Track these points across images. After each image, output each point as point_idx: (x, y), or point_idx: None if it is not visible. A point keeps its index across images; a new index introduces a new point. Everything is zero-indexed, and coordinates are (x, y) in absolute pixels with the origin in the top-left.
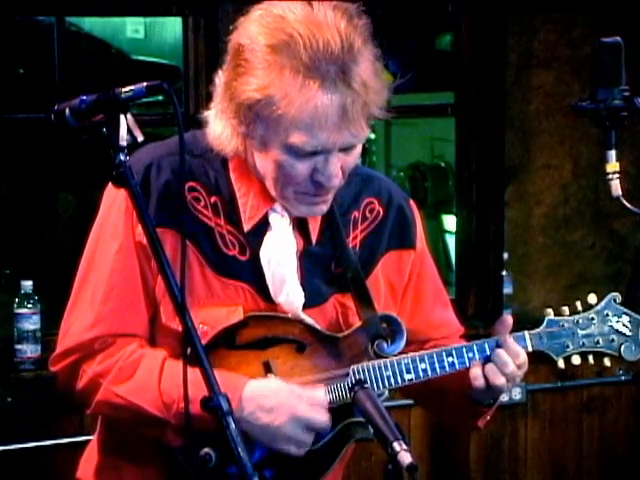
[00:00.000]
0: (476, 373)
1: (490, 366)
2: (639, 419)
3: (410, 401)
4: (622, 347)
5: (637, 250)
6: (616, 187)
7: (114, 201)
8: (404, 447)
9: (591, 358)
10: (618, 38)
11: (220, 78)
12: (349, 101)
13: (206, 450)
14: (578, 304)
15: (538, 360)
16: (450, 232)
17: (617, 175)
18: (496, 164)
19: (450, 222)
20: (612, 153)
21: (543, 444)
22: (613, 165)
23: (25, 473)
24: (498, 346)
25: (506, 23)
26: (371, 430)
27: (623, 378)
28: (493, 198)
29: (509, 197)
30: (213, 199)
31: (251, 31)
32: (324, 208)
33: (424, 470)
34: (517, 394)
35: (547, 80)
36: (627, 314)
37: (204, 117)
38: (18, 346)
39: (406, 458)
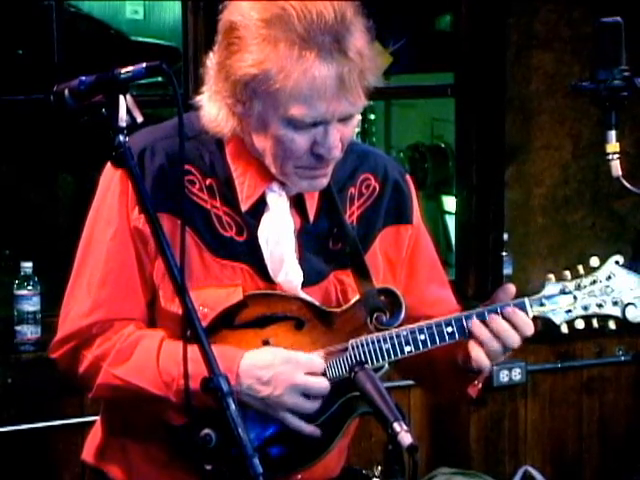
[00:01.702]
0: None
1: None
2: (639, 400)
3: (410, 382)
4: (627, 309)
5: (637, 230)
6: (616, 167)
7: (109, 186)
8: (404, 428)
9: (595, 322)
10: (618, 18)
11: (212, 60)
12: (346, 70)
13: (206, 431)
14: (580, 268)
15: (538, 340)
16: (450, 213)
17: (617, 155)
18: (496, 145)
19: (450, 203)
20: (612, 133)
21: (543, 424)
22: (613, 145)
23: (25, 454)
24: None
25: (506, 3)
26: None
27: (623, 359)
28: (493, 179)
29: (509, 178)
30: (208, 181)
31: (243, 8)
32: (324, 182)
33: (424, 450)
34: (517, 374)
35: (547, 60)
36: (631, 275)
37: (197, 102)
38: (18, 327)
39: (406, 439)
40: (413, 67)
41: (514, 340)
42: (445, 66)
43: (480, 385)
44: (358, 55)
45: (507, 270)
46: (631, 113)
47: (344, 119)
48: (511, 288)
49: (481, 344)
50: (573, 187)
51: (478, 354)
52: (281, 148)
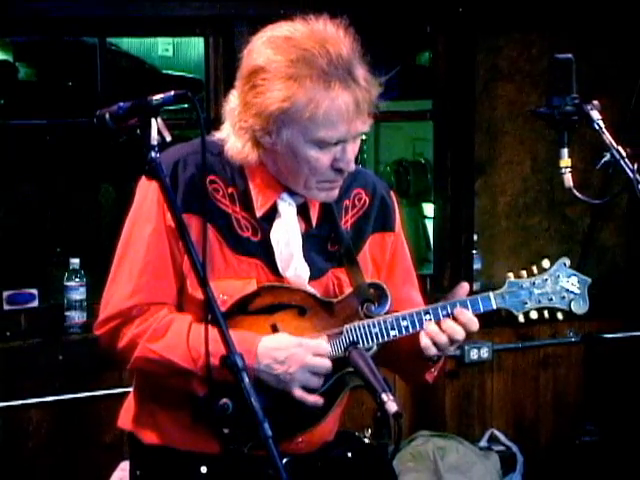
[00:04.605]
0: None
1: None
2: (586, 373)
3: None
4: (572, 303)
5: (585, 232)
6: (568, 179)
7: (147, 192)
8: (391, 398)
9: (546, 313)
10: (569, 55)
11: (233, 102)
12: (360, 96)
13: (224, 400)
14: (534, 268)
15: (503, 324)
16: (429, 217)
17: (569, 169)
18: (467, 160)
19: (429, 209)
20: (565, 151)
21: (506, 395)
22: (565, 161)
23: (73, 419)
24: (448, 316)
25: (475, 42)
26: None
27: (573, 339)
28: (465, 189)
29: (478, 188)
30: (230, 190)
31: (267, 53)
32: (337, 193)
33: (407, 416)
34: (485, 353)
35: (510, 90)
36: (575, 275)
37: (218, 138)
38: (67, 313)
39: (392, 407)
40: (398, 95)
41: (460, 335)
42: (425, 95)
43: (436, 373)
44: (366, 82)
45: (477, 266)
46: (580, 134)
47: (355, 137)
48: (465, 286)
49: (429, 336)
50: (532, 196)
51: (427, 344)
52: (307, 167)
